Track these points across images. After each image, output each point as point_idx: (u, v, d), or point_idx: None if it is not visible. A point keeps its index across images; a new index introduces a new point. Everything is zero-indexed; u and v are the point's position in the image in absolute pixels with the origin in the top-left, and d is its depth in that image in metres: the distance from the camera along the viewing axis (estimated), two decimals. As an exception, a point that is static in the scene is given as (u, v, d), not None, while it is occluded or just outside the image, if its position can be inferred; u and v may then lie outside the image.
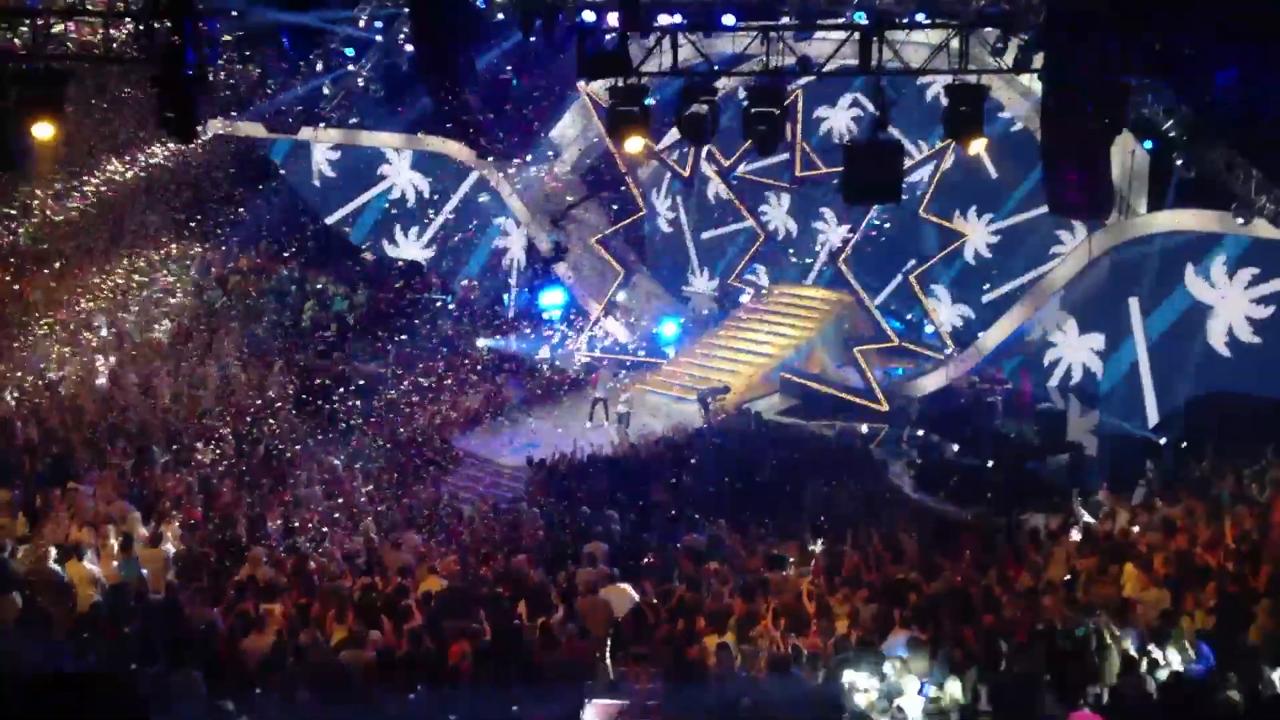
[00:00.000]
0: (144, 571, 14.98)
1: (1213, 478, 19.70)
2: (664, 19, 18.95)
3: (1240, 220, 20.72)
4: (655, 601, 14.32)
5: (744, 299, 29.24)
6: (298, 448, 22.45)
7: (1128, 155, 22.19)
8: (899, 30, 15.90)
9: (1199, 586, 14.01)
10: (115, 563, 15.10)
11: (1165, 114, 20.23)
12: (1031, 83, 21.43)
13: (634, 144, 15.02)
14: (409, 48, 27.04)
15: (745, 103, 14.27)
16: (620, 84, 14.40)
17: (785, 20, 17.75)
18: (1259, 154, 20.19)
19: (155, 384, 24.13)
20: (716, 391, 25.36)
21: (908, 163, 24.20)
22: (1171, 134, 20.33)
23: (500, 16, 24.77)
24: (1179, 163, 20.66)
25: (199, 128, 13.78)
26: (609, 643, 13.22)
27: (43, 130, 13.26)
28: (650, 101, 15.34)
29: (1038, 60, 17.94)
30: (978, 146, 15.46)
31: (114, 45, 13.14)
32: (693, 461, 22.42)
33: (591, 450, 23.21)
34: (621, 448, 23.51)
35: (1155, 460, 21.82)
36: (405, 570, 15.40)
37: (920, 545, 17.10)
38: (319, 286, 30.92)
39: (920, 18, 17.17)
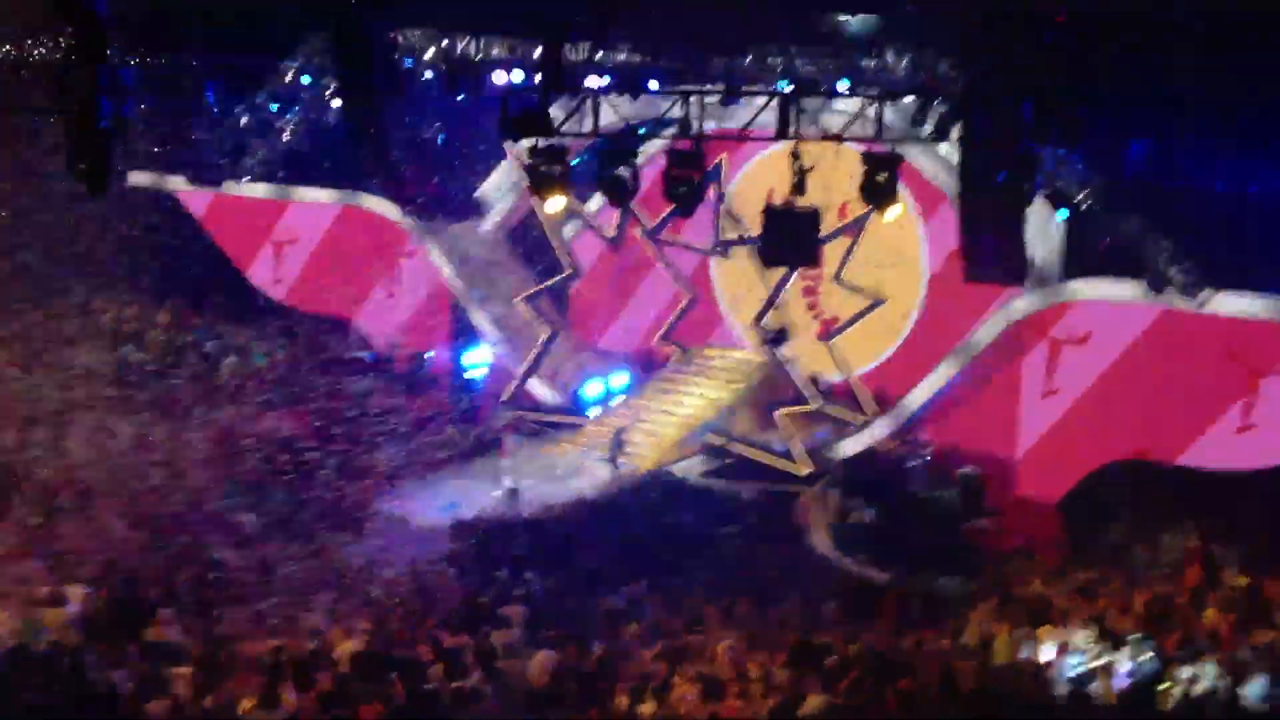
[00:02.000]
0: (46, 632, 14.59)
1: (1127, 543, 20.04)
2: (592, 80, 19.16)
3: (1152, 290, 21.24)
4: (573, 665, 14.20)
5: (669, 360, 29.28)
6: (211, 505, 22.07)
7: (1043, 224, 22.64)
8: (817, 98, 16.17)
9: (1110, 652, 14.15)
10: (17, 623, 14.68)
11: (1079, 184, 20.72)
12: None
13: (554, 204, 15.07)
14: (335, 102, 26.98)
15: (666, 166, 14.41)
16: (541, 144, 14.45)
17: (709, 86, 18.01)
18: (1170, 225, 20.75)
19: (65, 441, 23.63)
20: (617, 445, 25.25)
21: (830, 228, 24.64)
22: (1085, 204, 20.82)
23: (428, 75, 24.85)
24: (1091, 232, 21.13)
25: (118, 179, 13.64)
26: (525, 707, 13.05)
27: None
28: (574, 162, 15.44)
29: (955, 130, 18.35)
30: (894, 214, 15.70)
31: (26, 93, 12.96)
32: (612, 523, 22.31)
33: (510, 512, 23.03)
34: (541, 509, 23.34)
35: (1069, 524, 22.16)
36: (316, 632, 15.12)
37: (838, 608, 17.14)
38: (239, 342, 30.52)
39: (842, 86, 17.51)
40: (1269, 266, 20.05)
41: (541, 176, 14.58)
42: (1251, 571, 16.91)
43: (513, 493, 23.96)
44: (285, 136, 29.21)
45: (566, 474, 25.44)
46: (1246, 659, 13.44)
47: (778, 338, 25.40)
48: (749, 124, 16.09)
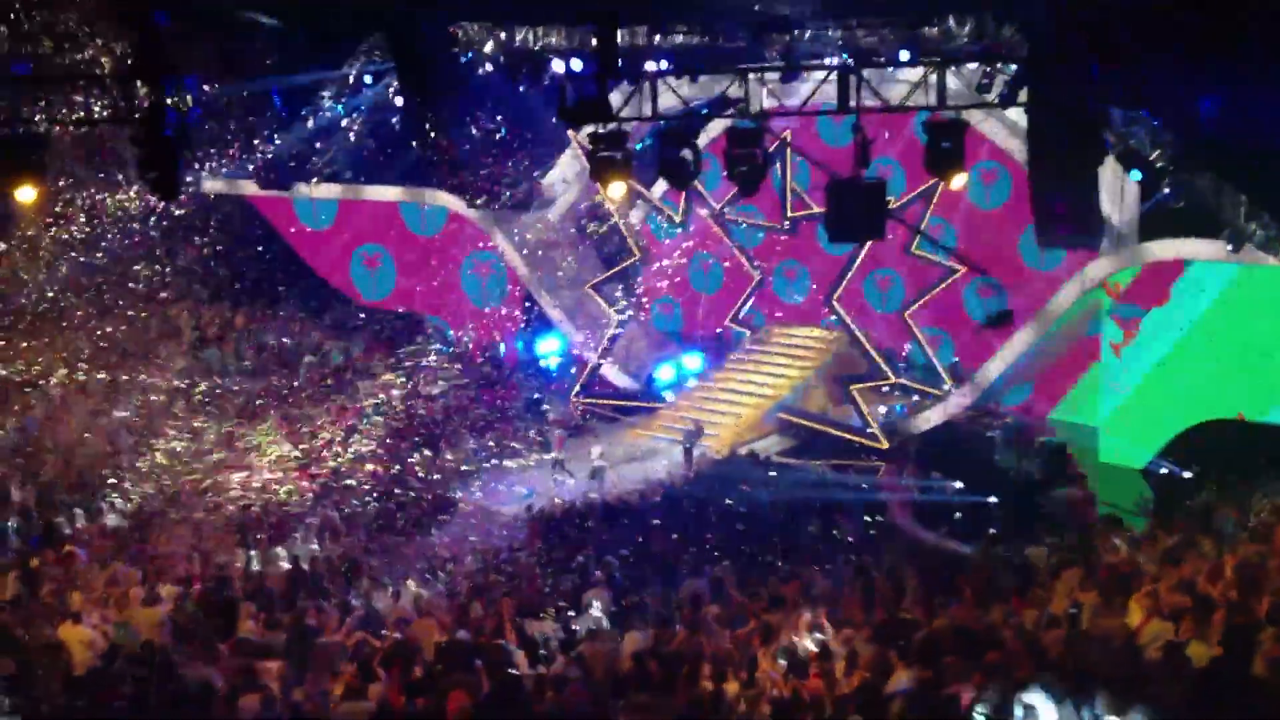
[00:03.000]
0: (140, 632, 14.88)
1: (1215, 506, 19.63)
2: (649, 65, 19.09)
3: (1230, 247, 20.78)
4: (657, 648, 14.22)
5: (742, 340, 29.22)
6: (294, 502, 22.41)
7: (1118, 185, 22.26)
8: (878, 68, 15.97)
9: (1203, 617, 13.86)
10: (111, 624, 14.99)
11: (1152, 144, 20.29)
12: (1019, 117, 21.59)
13: (616, 189, 15.01)
14: (399, 101, 27.16)
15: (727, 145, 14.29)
16: (601, 130, 14.41)
17: (768, 63, 17.84)
18: (1246, 181, 20.24)
19: (152, 444, 24.09)
20: (695, 434, 25.22)
21: (900, 199, 24.43)
22: (1159, 164, 20.39)
23: (487, 67, 24.91)
24: (1167, 191, 20.68)
25: (189, 185, 13.89)
26: (610, 691, 13.08)
27: (25, 194, 13.25)
28: (638, 147, 15.38)
29: (1023, 94, 18.05)
30: (959, 182, 15.46)
31: (95, 106, 13.22)
32: (691, 505, 22.32)
33: (589, 497, 23.17)
34: (620, 493, 23.44)
35: (1157, 490, 21.81)
36: (403, 622, 15.29)
37: (922, 582, 16.97)
38: (316, 341, 30.94)
39: (903, 55, 17.25)
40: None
41: (602, 162, 14.54)
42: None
43: (598, 471, 24.14)
44: (351, 137, 29.45)
45: (644, 457, 25.51)
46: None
47: (1000, 319, 24.33)
48: (809, 99, 15.93)
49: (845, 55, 16.36)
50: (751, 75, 15.02)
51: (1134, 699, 11.57)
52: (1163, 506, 20.91)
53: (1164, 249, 22.23)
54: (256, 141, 29.08)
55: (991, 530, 20.79)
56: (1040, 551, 18.60)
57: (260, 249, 31.67)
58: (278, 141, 29.31)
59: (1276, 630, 12.97)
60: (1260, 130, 18.86)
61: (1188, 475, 21.73)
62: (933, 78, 15.05)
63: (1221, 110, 18.50)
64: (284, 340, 30.76)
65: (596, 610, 16.14)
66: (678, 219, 28.52)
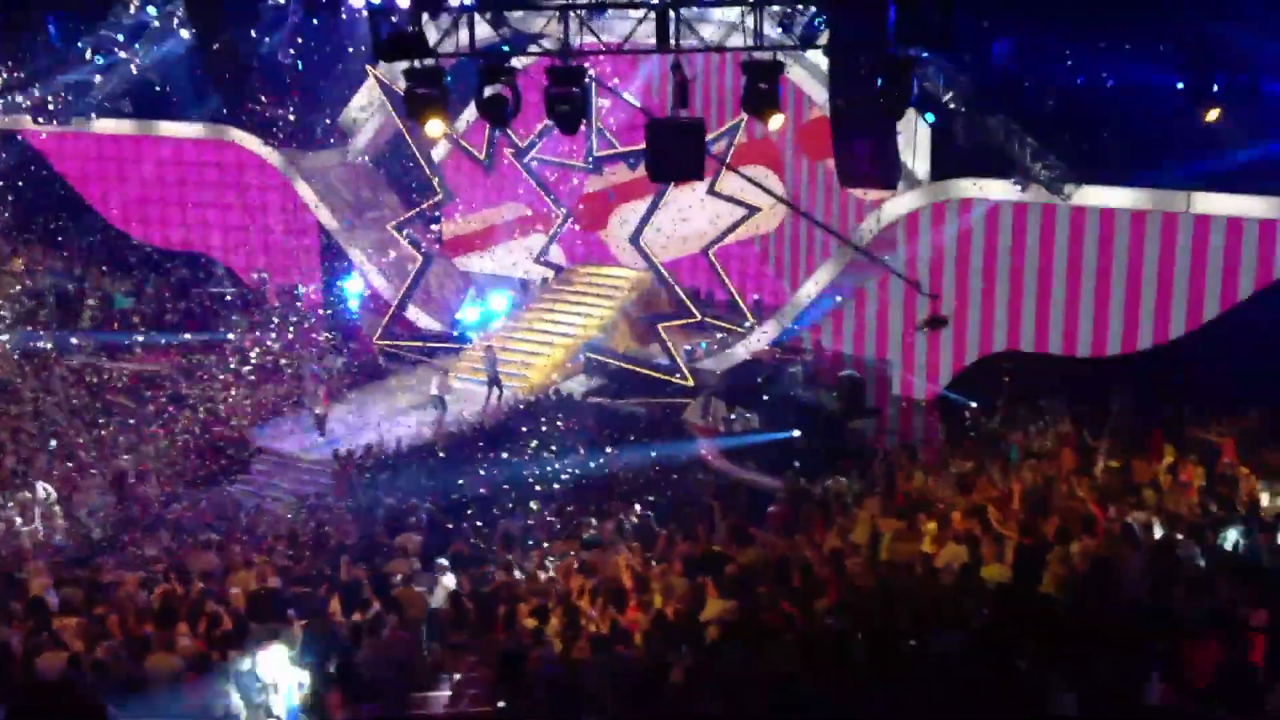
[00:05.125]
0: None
1: (1001, 435, 20.63)
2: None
3: (1019, 187, 21.71)
4: (473, 590, 14.21)
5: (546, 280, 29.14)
6: (84, 454, 21.49)
7: (910, 126, 22.89)
8: (695, 7, 15.91)
9: (994, 540, 14.56)
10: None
11: (945, 86, 20.96)
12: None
13: (434, 127, 14.63)
14: (185, 33, 25.96)
15: (545, 83, 14.03)
16: (417, 65, 14.00)
17: (582, -1, 17.63)
18: (1033, 123, 21.15)
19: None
20: (492, 360, 25.19)
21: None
22: (951, 104, 21.08)
23: (281, -1, 24.02)
24: (959, 132, 21.40)
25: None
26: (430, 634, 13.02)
27: None
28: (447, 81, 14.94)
29: (824, 36, 18.35)
30: (776, 123, 15.62)
31: None
32: (499, 445, 22.30)
33: (399, 440, 22.88)
34: (433, 435, 23.25)
35: (947, 419, 22.77)
36: (209, 574, 14.87)
37: (730, 515, 17.37)
38: (100, 284, 29.57)
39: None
40: (1130, 158, 20.63)
41: (419, 99, 14.13)
42: (1121, 455, 17.52)
43: (440, 400, 24.02)
44: (133, 69, 27.95)
45: (449, 400, 25.27)
46: (1121, 538, 13.95)
47: (936, 323, 23.20)
48: (629, 37, 15.81)
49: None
50: (570, 11, 14.76)
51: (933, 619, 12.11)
52: (953, 436, 21.84)
53: (955, 188, 23.03)
54: (31, 73, 27.45)
55: (795, 464, 21.42)
56: (842, 483, 19.26)
57: (37, 187, 29.96)
58: (53, 74, 27.69)
59: (1063, 551, 13.74)
60: (1048, 73, 19.73)
61: (974, 405, 22.67)
62: (749, 19, 15.10)
63: (1012, 53, 19.27)
64: (66, 282, 29.30)
65: (410, 554, 16.01)
66: (482, 157, 28.14)
